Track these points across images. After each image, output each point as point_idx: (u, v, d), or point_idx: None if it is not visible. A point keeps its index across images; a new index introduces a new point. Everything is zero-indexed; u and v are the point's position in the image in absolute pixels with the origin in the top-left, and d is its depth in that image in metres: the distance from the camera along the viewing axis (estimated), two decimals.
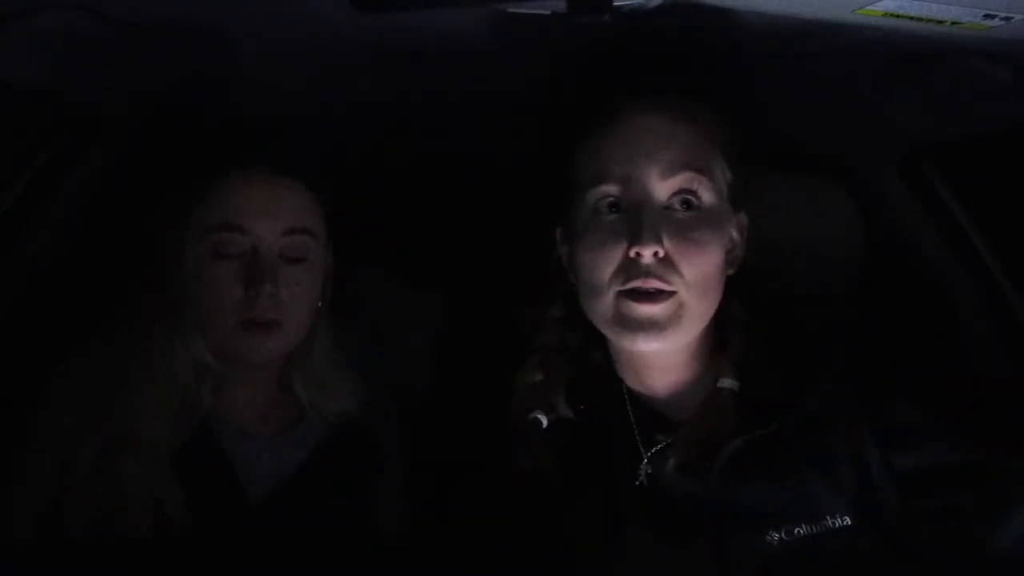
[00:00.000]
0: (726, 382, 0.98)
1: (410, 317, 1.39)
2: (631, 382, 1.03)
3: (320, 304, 1.14)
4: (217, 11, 0.92)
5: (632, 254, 0.92)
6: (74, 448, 1.00)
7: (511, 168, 1.39)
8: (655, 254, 0.91)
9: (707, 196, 0.95)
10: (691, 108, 0.97)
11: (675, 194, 0.94)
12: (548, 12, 0.87)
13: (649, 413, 1.01)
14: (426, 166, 1.52)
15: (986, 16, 0.83)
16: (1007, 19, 0.83)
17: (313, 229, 1.10)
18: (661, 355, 0.99)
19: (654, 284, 0.92)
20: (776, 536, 0.90)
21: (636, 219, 0.93)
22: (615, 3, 0.81)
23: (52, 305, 1.22)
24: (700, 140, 0.96)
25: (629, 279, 0.93)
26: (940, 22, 0.85)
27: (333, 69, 1.11)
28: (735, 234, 1.01)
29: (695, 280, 0.93)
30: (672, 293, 0.92)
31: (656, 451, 0.99)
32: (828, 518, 0.90)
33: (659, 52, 1.00)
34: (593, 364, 1.05)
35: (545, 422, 1.02)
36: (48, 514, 0.99)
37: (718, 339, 1.01)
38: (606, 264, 0.94)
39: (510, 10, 0.87)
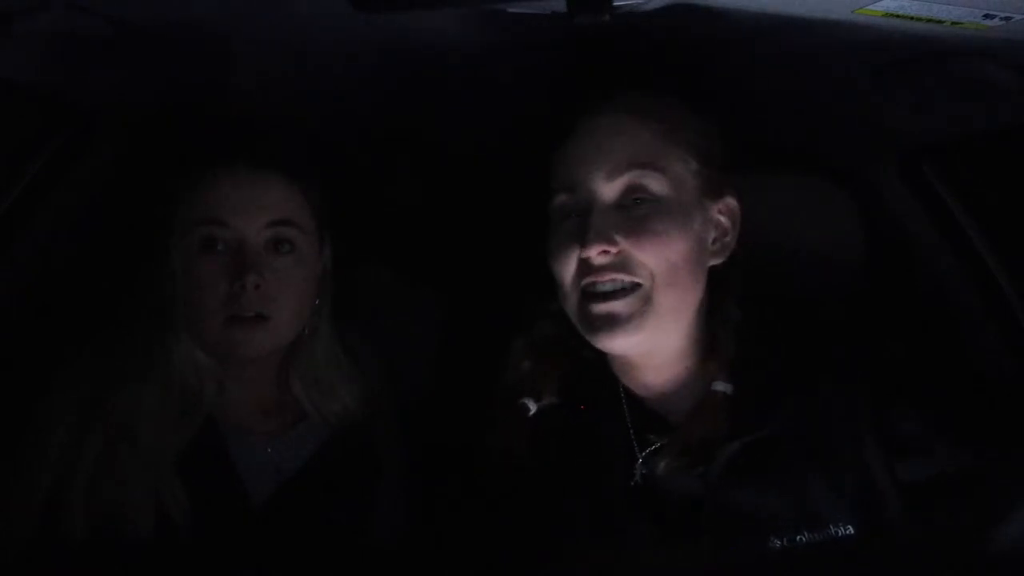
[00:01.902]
0: (719, 385, 0.97)
1: (410, 317, 1.39)
2: (626, 380, 1.03)
3: (318, 302, 1.14)
4: (217, 11, 0.92)
5: (583, 256, 0.94)
6: (75, 448, 1.00)
7: (510, 167, 1.39)
8: (605, 252, 0.93)
9: (660, 189, 0.95)
10: (643, 104, 0.98)
11: (624, 193, 0.95)
12: (548, 12, 0.87)
13: (644, 412, 1.01)
14: (426, 165, 1.52)
15: (986, 16, 0.83)
16: (1007, 19, 0.83)
17: (298, 221, 1.09)
18: (647, 353, 0.99)
19: (610, 277, 0.93)
20: (778, 543, 0.90)
21: (585, 222, 0.95)
22: (615, 3, 0.81)
23: (52, 304, 1.22)
24: (649, 135, 0.96)
25: (586, 277, 0.95)
26: (940, 22, 0.85)
27: (333, 69, 1.11)
28: (723, 220, 1.00)
29: (660, 271, 0.93)
30: (635, 287, 0.93)
31: (650, 451, 0.99)
32: (831, 526, 0.90)
33: (650, 52, 1.00)
34: (589, 361, 1.05)
35: (533, 408, 1.02)
36: (47, 514, 0.99)
37: (710, 337, 1.01)
38: (566, 267, 0.96)
39: (510, 10, 0.87)
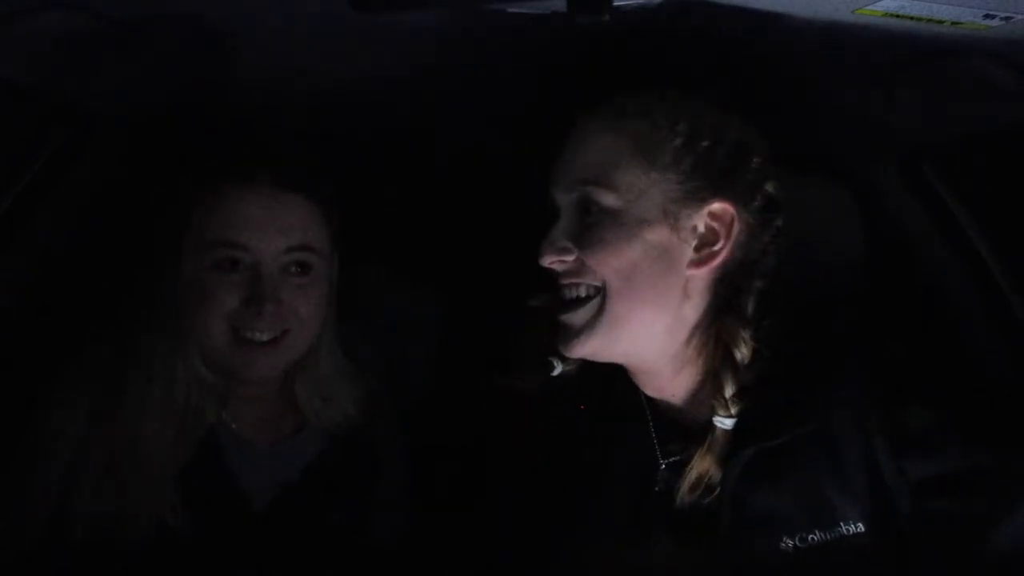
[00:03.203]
0: (719, 420, 0.94)
1: (410, 317, 1.39)
2: (645, 389, 1.02)
3: (325, 316, 1.13)
4: (217, 12, 0.92)
5: (547, 263, 0.98)
6: (81, 457, 1.00)
7: (510, 166, 1.39)
8: (561, 261, 0.97)
9: (610, 203, 0.95)
10: (610, 118, 0.98)
11: (579, 204, 0.97)
12: (548, 12, 0.87)
13: (666, 421, 1.01)
14: (426, 165, 1.52)
15: (986, 16, 0.83)
16: (1007, 19, 0.83)
17: (317, 245, 1.08)
18: (646, 362, 0.99)
19: (570, 281, 0.97)
20: (790, 543, 0.90)
21: (551, 227, 0.98)
22: (615, 3, 0.82)
23: (52, 304, 1.22)
24: (604, 151, 0.97)
25: (556, 284, 0.98)
26: (940, 22, 0.85)
27: (332, 69, 1.11)
28: (708, 226, 0.95)
29: (611, 279, 0.94)
30: (590, 297, 0.95)
31: (672, 461, 0.98)
32: (842, 525, 0.89)
33: (650, 52, 1.00)
34: (612, 369, 1.03)
35: (558, 368, 1.03)
36: (53, 523, 0.98)
37: (720, 345, 0.97)
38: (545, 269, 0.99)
39: (510, 10, 0.87)
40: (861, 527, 0.89)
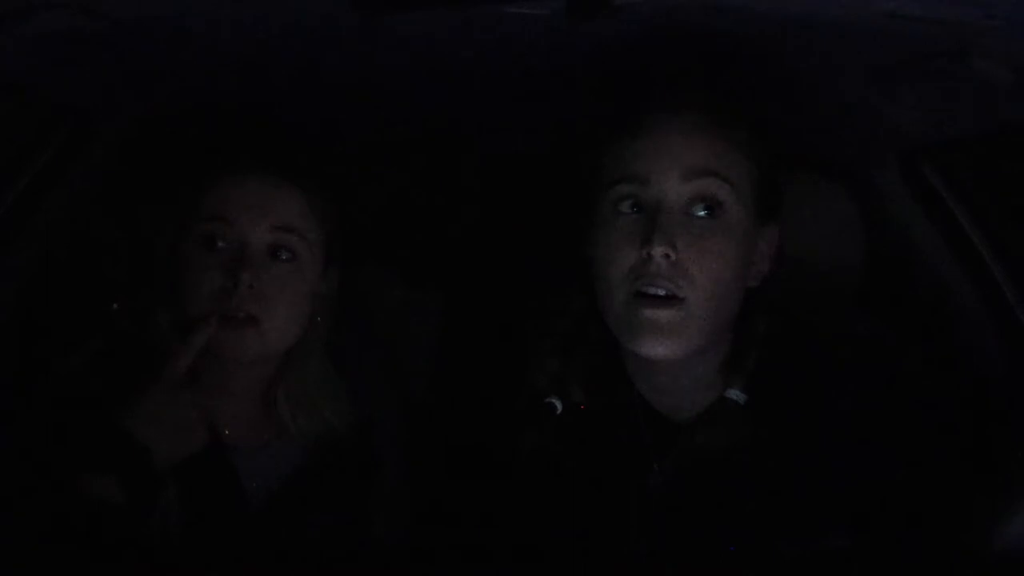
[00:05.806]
0: (733, 393, 0.96)
1: (410, 317, 1.39)
2: (641, 384, 1.02)
3: (320, 319, 1.12)
4: (218, 12, 0.92)
5: (644, 255, 0.90)
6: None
7: (511, 166, 1.39)
8: (666, 256, 0.89)
9: (729, 204, 0.92)
10: (718, 112, 0.95)
11: (695, 198, 0.92)
12: (548, 12, 0.87)
13: (659, 416, 1.01)
14: (425, 166, 1.52)
15: (986, 16, 0.83)
16: (1007, 19, 0.83)
17: (302, 230, 1.08)
18: (676, 362, 0.96)
19: (663, 286, 0.90)
20: (788, 547, 0.90)
21: (652, 220, 0.91)
22: (615, 3, 0.82)
23: (51, 304, 1.22)
24: (727, 145, 0.94)
25: (639, 280, 0.91)
26: (940, 22, 0.85)
27: (333, 69, 1.11)
28: (763, 246, 0.98)
29: (705, 288, 0.91)
30: (680, 300, 0.91)
31: (666, 456, 0.98)
32: (834, 529, 0.90)
33: (671, 52, 0.99)
34: (605, 362, 1.04)
35: (559, 408, 1.01)
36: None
37: (734, 351, 0.99)
38: (619, 263, 0.93)
39: (510, 10, 0.87)
40: (853, 531, 0.89)
